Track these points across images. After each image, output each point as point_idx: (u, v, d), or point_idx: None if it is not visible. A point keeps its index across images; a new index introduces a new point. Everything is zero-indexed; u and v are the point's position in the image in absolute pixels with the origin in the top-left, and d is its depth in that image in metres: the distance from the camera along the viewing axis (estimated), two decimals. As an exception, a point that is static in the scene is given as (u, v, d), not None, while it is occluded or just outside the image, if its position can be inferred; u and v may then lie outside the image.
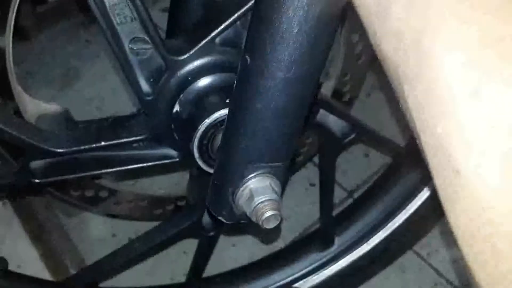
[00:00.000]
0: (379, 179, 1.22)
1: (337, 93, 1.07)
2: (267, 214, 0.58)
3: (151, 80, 0.73)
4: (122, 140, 0.78)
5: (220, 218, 0.65)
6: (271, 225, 0.58)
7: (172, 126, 0.75)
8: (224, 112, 0.68)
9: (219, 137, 0.68)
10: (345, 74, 1.05)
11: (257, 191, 0.59)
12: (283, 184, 0.62)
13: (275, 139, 0.57)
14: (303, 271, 1.18)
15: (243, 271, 1.21)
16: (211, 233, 0.99)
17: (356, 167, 1.47)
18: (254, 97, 0.53)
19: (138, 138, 0.80)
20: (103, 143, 0.77)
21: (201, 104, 0.70)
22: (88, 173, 0.79)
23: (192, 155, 0.74)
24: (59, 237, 1.35)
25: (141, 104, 0.75)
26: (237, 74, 0.55)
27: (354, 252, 1.18)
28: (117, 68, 1.56)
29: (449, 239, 1.26)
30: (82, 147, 0.76)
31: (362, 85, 1.15)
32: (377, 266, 1.24)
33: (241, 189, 0.60)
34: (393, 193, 1.16)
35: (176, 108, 0.73)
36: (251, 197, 0.59)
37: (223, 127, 0.65)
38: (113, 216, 1.25)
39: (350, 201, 1.41)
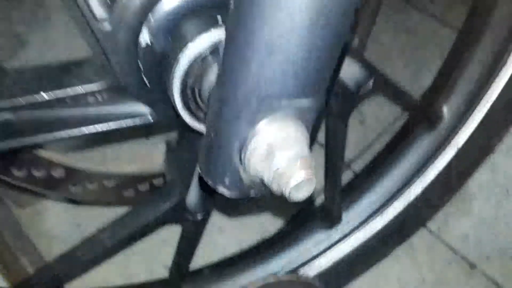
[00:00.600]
0: (392, 141, 1.02)
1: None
2: (296, 179, 0.36)
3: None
4: (71, 91, 0.55)
5: (220, 190, 0.43)
6: (301, 195, 0.37)
7: (141, 66, 0.53)
8: (217, 32, 0.46)
9: (212, 72, 0.46)
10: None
11: (279, 143, 0.37)
12: (313, 135, 0.40)
13: (305, 59, 0.35)
14: (307, 255, 0.99)
15: (235, 260, 1.01)
16: (199, 217, 0.77)
17: (352, 137, 1.27)
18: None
19: (93, 88, 0.57)
20: (43, 95, 0.54)
21: (181, 26, 0.48)
22: (24, 141, 0.56)
23: (172, 106, 0.52)
24: (11, 232, 1.12)
25: (96, 37, 0.52)
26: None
27: (365, 228, 0.99)
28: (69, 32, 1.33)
29: (458, 209, 1.13)
30: (11, 103, 0.53)
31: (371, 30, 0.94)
32: (390, 244, 1.06)
33: (254, 142, 0.38)
34: (409, 157, 0.96)
35: (144, 37, 0.50)
36: (270, 153, 0.38)
37: (217, 54, 0.44)
38: (75, 202, 1.02)
39: (349, 173, 1.22)
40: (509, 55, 0.82)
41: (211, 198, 0.75)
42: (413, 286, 1.10)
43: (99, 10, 0.50)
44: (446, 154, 0.91)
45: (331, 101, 0.77)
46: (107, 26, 0.51)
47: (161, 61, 0.51)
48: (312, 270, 0.99)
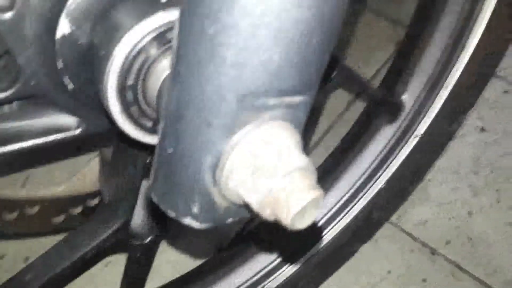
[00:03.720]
0: (351, 134, 0.95)
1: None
2: (299, 202, 0.26)
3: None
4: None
5: (187, 222, 0.32)
6: (307, 221, 0.27)
7: (59, 64, 0.40)
8: (162, 17, 0.34)
9: (159, 65, 0.35)
10: None
11: (271, 154, 0.27)
12: (304, 139, 0.30)
13: (304, 40, 0.25)
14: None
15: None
16: (148, 239, 0.65)
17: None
18: None
19: (-3, 98, 0.43)
20: None
21: (112, 11, 0.35)
22: None
23: (106, 114, 0.39)
24: None
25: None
26: None
27: (332, 225, 0.91)
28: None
29: (415, 197, 1.12)
30: None
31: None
32: (358, 240, 1.00)
33: (234, 155, 0.27)
34: (372, 150, 0.90)
35: (62, 27, 0.38)
36: (257, 169, 0.27)
37: (163, 42, 0.32)
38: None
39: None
40: (468, 37, 0.78)
41: (163, 218, 0.64)
42: (380, 277, 1.07)
43: (-5, -7, 0.37)
44: (408, 143, 0.86)
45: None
46: (9, 16, 0.38)
47: (86, 55, 0.38)
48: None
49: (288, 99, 0.28)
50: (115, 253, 0.67)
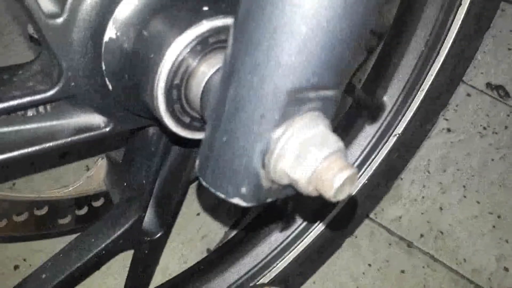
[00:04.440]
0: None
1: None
2: (340, 178, 0.32)
3: (56, -11, 0.41)
4: (4, 104, 0.45)
5: (235, 201, 0.37)
6: (345, 194, 0.33)
7: (103, 66, 0.44)
8: (208, 25, 0.39)
9: (201, 69, 0.40)
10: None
11: (313, 140, 0.33)
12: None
13: (339, 44, 0.31)
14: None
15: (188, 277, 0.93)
16: (158, 235, 0.69)
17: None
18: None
19: (36, 98, 0.47)
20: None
21: (159, 19, 0.40)
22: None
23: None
24: None
25: (43, 36, 0.42)
26: None
27: (317, 224, 0.97)
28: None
29: (389, 194, 1.20)
30: None
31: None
32: (340, 237, 1.06)
33: (282, 142, 0.33)
34: (354, 149, 0.97)
35: (110, 33, 0.42)
36: (303, 153, 0.33)
37: (205, 48, 0.37)
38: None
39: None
40: (441, 45, 0.87)
41: (172, 213, 0.68)
42: (361, 271, 1.13)
43: (47, 4, 0.41)
44: (389, 142, 0.94)
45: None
46: (58, 22, 0.42)
47: (131, 60, 0.43)
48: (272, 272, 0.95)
49: (323, 93, 0.34)
50: (125, 250, 0.70)
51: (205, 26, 0.39)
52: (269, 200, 0.37)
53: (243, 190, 0.36)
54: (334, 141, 0.33)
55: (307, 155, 0.33)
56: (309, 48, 0.31)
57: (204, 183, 0.37)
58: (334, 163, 0.32)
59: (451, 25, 0.84)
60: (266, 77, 0.32)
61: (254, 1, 0.31)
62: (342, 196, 0.33)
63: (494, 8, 0.85)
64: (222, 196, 0.37)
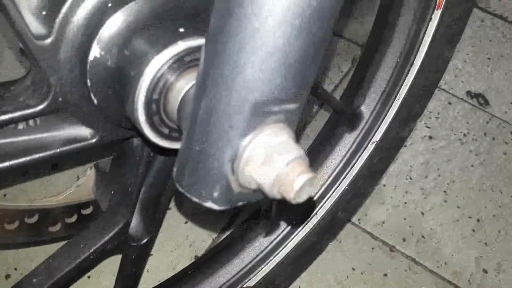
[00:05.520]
0: (316, 142, 1.06)
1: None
2: (299, 182, 0.36)
3: (44, 11, 0.45)
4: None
5: (208, 205, 0.41)
6: (304, 196, 0.37)
7: (89, 82, 0.48)
8: (183, 44, 0.43)
9: (178, 84, 0.44)
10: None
11: (277, 148, 0.37)
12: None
13: (302, 62, 0.35)
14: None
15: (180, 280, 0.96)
16: (145, 240, 0.72)
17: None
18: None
19: (27, 113, 0.50)
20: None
21: (139, 39, 0.44)
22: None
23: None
24: None
25: (32, 55, 0.46)
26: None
27: (301, 226, 1.01)
28: None
29: (373, 200, 1.24)
30: None
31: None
32: (325, 239, 1.09)
33: (249, 149, 0.37)
34: (334, 157, 1.01)
35: (94, 52, 0.46)
36: (268, 159, 0.37)
37: (181, 65, 0.41)
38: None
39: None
40: (414, 57, 0.91)
41: (158, 219, 0.71)
42: (346, 275, 1.16)
43: (36, 26, 0.45)
44: (367, 148, 0.98)
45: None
46: (46, 43, 0.46)
47: (114, 76, 0.47)
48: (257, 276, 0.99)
49: (287, 106, 0.38)
50: (113, 255, 0.73)
51: (180, 46, 0.43)
52: (240, 203, 0.41)
53: (215, 194, 0.39)
54: (295, 149, 0.37)
55: (271, 161, 0.37)
56: (269, 66, 0.35)
57: (180, 189, 0.41)
58: (295, 168, 0.36)
59: (424, 35, 0.88)
60: (233, 91, 0.36)
61: (220, 25, 0.35)
62: (303, 198, 0.36)
63: (463, 21, 0.90)
64: (196, 200, 0.40)
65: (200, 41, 0.44)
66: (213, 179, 0.39)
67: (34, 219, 0.78)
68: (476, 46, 1.60)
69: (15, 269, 1.01)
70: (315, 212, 0.99)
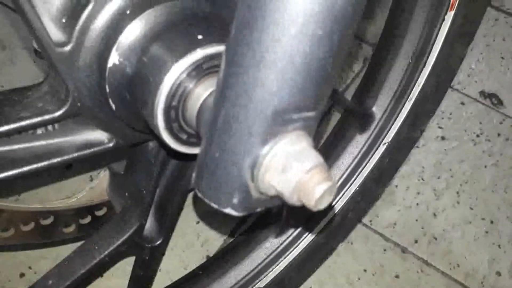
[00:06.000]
0: (328, 142, 1.06)
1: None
2: (320, 189, 0.36)
3: (64, 19, 0.45)
4: (16, 125, 0.49)
5: (227, 212, 0.41)
6: (325, 203, 0.37)
7: (107, 88, 0.48)
8: (202, 52, 0.43)
9: (197, 91, 0.44)
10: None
11: (296, 156, 0.37)
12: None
13: (316, 71, 0.35)
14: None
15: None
16: (158, 241, 0.73)
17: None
18: None
19: (45, 118, 0.51)
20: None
21: (157, 47, 0.44)
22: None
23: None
24: None
25: (51, 61, 0.47)
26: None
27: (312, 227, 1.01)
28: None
29: (384, 201, 1.23)
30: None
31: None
32: (336, 240, 1.09)
33: (269, 157, 0.37)
34: (346, 157, 1.01)
35: (113, 59, 0.46)
36: (287, 166, 0.37)
37: (200, 72, 0.42)
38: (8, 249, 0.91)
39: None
40: (427, 57, 0.91)
41: (171, 220, 0.72)
42: (357, 277, 1.16)
43: (55, 33, 0.45)
44: (379, 149, 0.97)
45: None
46: (66, 50, 0.46)
47: (131, 82, 0.47)
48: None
49: (306, 114, 0.38)
50: (127, 257, 0.74)
51: (199, 53, 0.43)
52: (258, 209, 0.41)
53: (235, 200, 0.40)
54: (314, 156, 0.37)
55: (291, 169, 0.37)
56: (290, 75, 0.35)
57: (199, 194, 0.41)
58: (315, 176, 0.36)
59: (435, 39, 0.88)
60: (253, 100, 0.36)
61: (241, 36, 0.35)
62: (323, 205, 0.37)
63: (476, 22, 0.89)
64: (215, 206, 0.41)
65: (218, 48, 0.44)
66: (232, 186, 0.39)
67: (49, 220, 0.78)
68: (490, 45, 1.58)
69: (29, 267, 1.02)
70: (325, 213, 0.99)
